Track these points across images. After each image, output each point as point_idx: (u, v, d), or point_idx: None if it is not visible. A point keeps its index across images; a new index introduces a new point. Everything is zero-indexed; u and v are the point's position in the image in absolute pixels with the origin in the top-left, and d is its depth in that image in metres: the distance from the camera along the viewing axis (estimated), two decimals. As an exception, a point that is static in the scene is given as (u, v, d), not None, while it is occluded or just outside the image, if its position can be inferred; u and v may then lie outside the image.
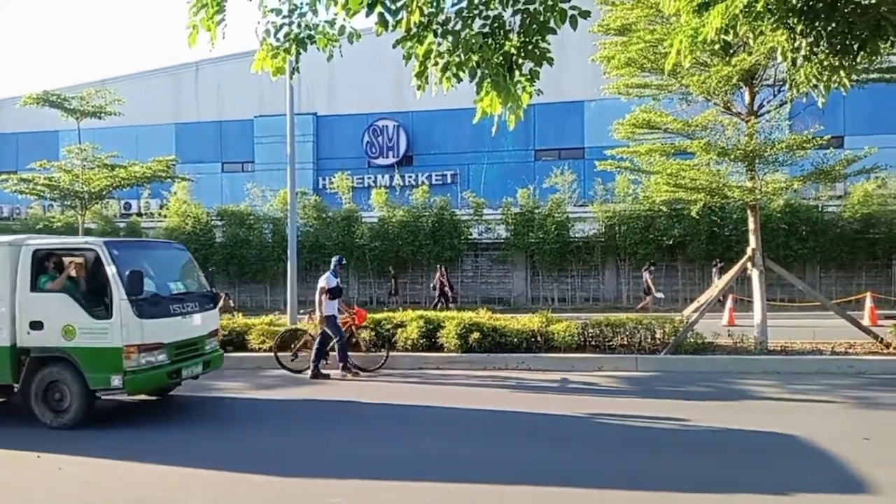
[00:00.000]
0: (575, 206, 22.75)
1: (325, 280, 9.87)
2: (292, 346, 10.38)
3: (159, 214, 25.65)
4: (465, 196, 24.02)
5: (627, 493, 4.83)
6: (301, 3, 4.58)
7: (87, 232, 19.50)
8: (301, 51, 4.66)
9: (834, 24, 4.63)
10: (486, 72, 4.16)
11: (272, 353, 10.29)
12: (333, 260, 10.47)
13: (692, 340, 10.26)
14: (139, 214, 26.98)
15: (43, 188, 17.46)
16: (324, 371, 9.68)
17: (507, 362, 9.95)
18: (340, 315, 10.02)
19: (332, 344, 9.83)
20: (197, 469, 5.62)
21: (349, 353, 9.91)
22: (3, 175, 18.34)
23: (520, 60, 4.19)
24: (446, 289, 20.11)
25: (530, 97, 4.34)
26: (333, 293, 9.81)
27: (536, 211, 22.19)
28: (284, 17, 4.63)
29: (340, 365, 9.74)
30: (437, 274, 20.52)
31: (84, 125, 18.22)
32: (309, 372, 9.66)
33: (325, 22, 4.66)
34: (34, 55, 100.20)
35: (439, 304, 19.47)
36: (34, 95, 17.72)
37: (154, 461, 5.88)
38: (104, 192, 18.14)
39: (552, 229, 21.67)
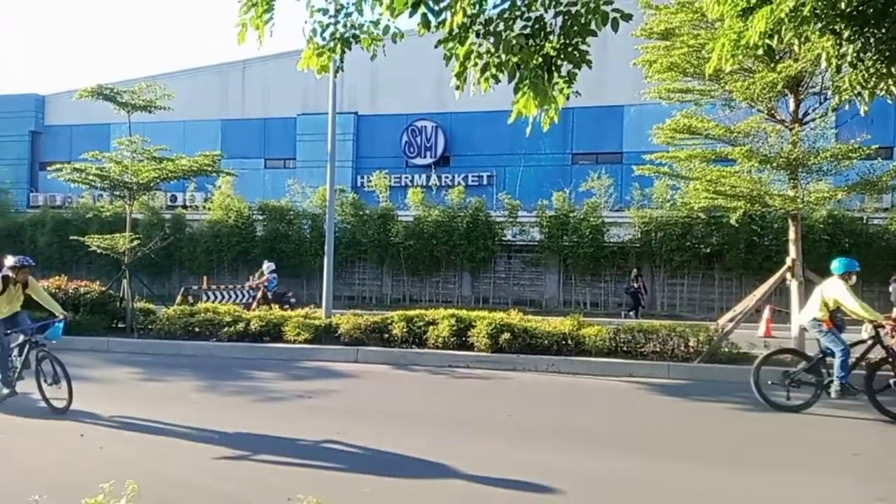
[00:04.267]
0: (611, 210, 22.54)
1: None
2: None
3: (203, 207, 26.40)
4: (500, 198, 24.04)
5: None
6: (347, 3, 4.70)
7: (135, 222, 20.14)
8: (346, 50, 4.78)
9: (884, 30, 4.55)
10: (525, 73, 4.21)
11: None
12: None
13: (726, 350, 10.10)
14: (184, 207, 27.73)
15: (94, 178, 18.06)
16: None
17: (536, 364, 9.97)
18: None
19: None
20: (232, 450, 5.83)
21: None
22: (57, 165, 19.09)
23: (558, 62, 4.23)
24: (640, 293, 19.88)
25: (567, 99, 4.38)
26: None
27: (571, 214, 22.06)
28: (331, 16, 4.75)
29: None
30: (630, 277, 20.34)
31: (134, 119, 18.78)
32: None
33: (370, 22, 4.78)
34: (88, 51, 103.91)
35: (632, 311, 19.13)
36: (88, 89, 18.35)
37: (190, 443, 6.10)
38: (152, 184, 18.64)
39: (587, 233, 21.52)
